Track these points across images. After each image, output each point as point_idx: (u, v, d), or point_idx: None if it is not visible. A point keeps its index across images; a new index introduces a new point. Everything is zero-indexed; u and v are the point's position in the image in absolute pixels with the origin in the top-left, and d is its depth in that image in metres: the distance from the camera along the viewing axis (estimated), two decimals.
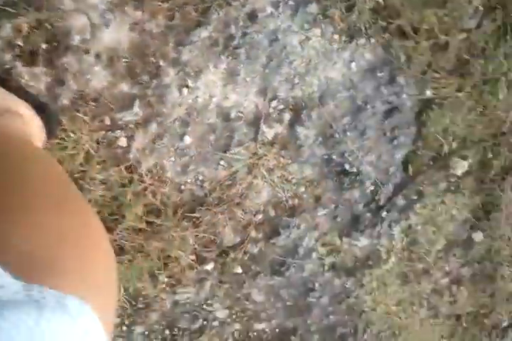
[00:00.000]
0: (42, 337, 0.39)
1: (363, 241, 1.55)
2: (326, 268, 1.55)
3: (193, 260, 1.32)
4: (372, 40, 1.23)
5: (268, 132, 1.25)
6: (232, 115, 1.20)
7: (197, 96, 1.14)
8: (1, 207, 0.56)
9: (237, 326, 1.46)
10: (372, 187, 1.46)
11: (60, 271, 0.50)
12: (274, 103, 1.22)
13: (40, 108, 0.98)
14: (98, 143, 1.10)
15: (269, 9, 1.11)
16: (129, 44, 1.05)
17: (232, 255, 1.37)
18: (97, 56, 1.04)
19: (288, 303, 1.55)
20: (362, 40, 1.22)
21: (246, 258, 1.40)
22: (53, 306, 0.42)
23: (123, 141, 1.12)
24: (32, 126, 0.95)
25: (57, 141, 1.07)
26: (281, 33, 1.14)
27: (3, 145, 0.78)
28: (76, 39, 1.00)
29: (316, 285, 1.55)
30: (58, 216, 0.59)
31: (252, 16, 1.11)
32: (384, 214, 1.53)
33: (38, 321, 0.39)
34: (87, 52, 1.02)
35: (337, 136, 1.32)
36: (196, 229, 1.28)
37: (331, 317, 1.63)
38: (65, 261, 0.52)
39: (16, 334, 0.38)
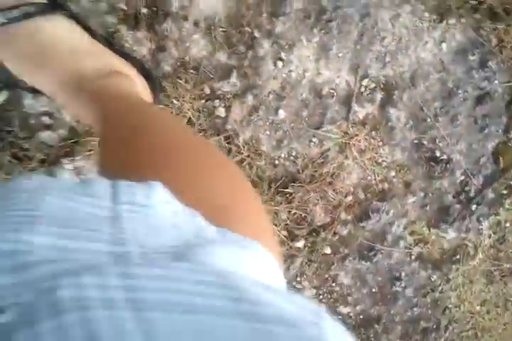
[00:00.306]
0: (257, 271, 0.39)
1: (451, 234, 1.44)
2: (413, 258, 1.46)
3: (285, 236, 1.25)
4: (463, 20, 1.08)
5: (359, 111, 1.12)
6: (325, 92, 1.08)
7: (290, 70, 1.03)
8: (182, 164, 0.56)
9: (323, 307, 1.39)
10: (462, 178, 1.35)
11: (234, 217, 0.50)
12: (365, 81, 1.09)
13: (145, 73, 0.92)
14: (199, 112, 1.01)
15: None
16: (225, 13, 0.96)
17: (322, 235, 1.29)
18: (196, 24, 0.96)
19: (373, 290, 1.45)
20: (452, 20, 1.08)
21: (335, 239, 1.32)
22: (244, 246, 0.42)
23: (221, 111, 1.03)
24: (141, 88, 0.92)
25: (161, 106, 1.02)
26: (372, 7, 1.01)
27: (129, 102, 0.75)
28: (175, 5, 0.93)
29: (403, 274, 1.46)
30: (218, 167, 0.60)
31: None
32: (474, 207, 1.41)
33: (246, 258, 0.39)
34: (185, 19, 0.94)
35: (428, 120, 1.21)
36: (289, 205, 1.21)
37: (414, 309, 1.52)
38: (236, 208, 0.53)
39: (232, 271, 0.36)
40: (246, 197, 0.59)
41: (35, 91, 0.84)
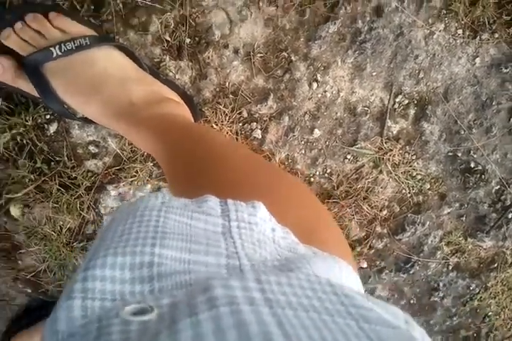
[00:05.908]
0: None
1: (488, 243, 1.51)
2: (451, 268, 1.51)
3: None
4: (496, 35, 1.18)
5: (393, 127, 1.22)
6: (359, 110, 1.18)
7: (325, 91, 1.13)
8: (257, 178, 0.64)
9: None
10: (497, 187, 1.41)
11: (318, 240, 0.55)
12: (399, 98, 1.19)
13: (186, 99, 1.02)
14: (237, 135, 1.12)
15: (395, 4, 1.09)
16: (263, 39, 1.05)
17: (357, 249, 1.36)
18: (235, 51, 1.05)
19: (411, 301, 1.52)
20: (486, 35, 1.17)
21: (371, 253, 1.40)
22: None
23: (258, 133, 1.13)
24: (188, 114, 0.99)
25: None
26: (406, 27, 1.11)
27: (190, 128, 0.83)
28: (216, 34, 1.02)
29: (440, 284, 1.52)
30: (303, 194, 0.69)
31: (378, 11, 1.09)
32: (510, 215, 1.48)
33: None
34: (226, 47, 1.03)
35: (462, 132, 1.29)
36: None
37: (454, 318, 1.59)
38: (320, 232, 0.60)
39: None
40: (328, 222, 0.67)
41: (87, 122, 0.93)
